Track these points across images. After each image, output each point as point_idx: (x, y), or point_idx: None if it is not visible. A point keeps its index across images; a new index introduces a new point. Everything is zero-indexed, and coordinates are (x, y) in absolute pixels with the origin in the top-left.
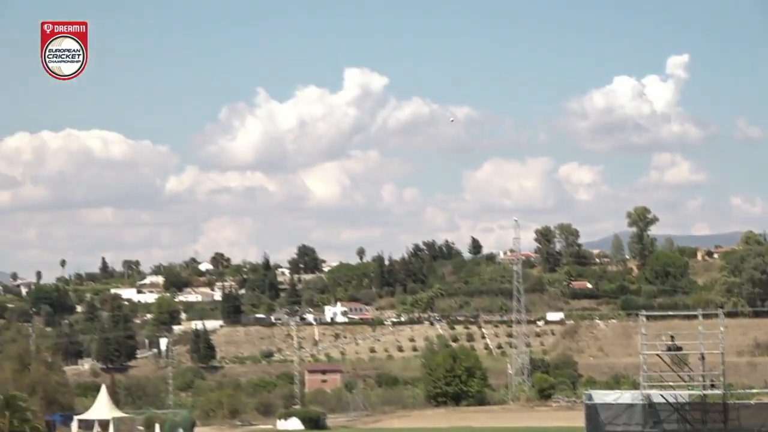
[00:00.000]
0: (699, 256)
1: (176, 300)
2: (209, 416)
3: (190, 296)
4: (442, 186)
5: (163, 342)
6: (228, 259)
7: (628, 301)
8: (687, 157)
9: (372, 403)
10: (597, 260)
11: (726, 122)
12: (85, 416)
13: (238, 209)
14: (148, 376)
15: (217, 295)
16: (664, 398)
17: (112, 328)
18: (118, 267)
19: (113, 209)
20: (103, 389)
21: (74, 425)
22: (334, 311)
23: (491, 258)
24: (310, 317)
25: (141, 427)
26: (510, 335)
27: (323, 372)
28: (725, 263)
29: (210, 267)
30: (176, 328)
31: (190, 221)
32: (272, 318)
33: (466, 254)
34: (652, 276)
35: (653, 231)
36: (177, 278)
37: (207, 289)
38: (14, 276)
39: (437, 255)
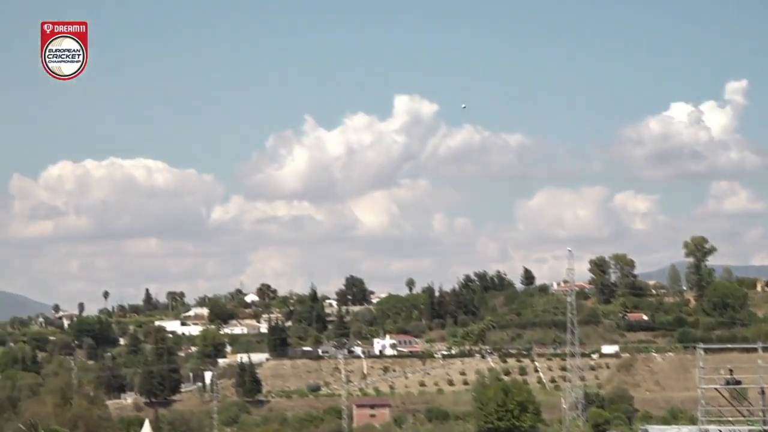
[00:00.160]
0: (759, 287)
1: (221, 332)
2: None
3: (236, 328)
4: (494, 215)
5: (208, 375)
6: (274, 291)
7: (685, 334)
8: (746, 185)
9: None
10: (653, 291)
11: None
12: None
13: (285, 239)
14: (192, 410)
15: (263, 328)
16: None
17: (155, 362)
18: (162, 298)
19: (157, 239)
20: (147, 424)
21: None
22: (383, 344)
23: (544, 289)
24: (358, 350)
25: None
26: (564, 369)
27: (372, 406)
28: None
29: (256, 298)
30: (221, 362)
31: (236, 252)
32: (319, 351)
33: (519, 285)
34: (710, 308)
35: (711, 261)
36: (222, 310)
37: (253, 321)
38: (56, 308)
39: (489, 286)
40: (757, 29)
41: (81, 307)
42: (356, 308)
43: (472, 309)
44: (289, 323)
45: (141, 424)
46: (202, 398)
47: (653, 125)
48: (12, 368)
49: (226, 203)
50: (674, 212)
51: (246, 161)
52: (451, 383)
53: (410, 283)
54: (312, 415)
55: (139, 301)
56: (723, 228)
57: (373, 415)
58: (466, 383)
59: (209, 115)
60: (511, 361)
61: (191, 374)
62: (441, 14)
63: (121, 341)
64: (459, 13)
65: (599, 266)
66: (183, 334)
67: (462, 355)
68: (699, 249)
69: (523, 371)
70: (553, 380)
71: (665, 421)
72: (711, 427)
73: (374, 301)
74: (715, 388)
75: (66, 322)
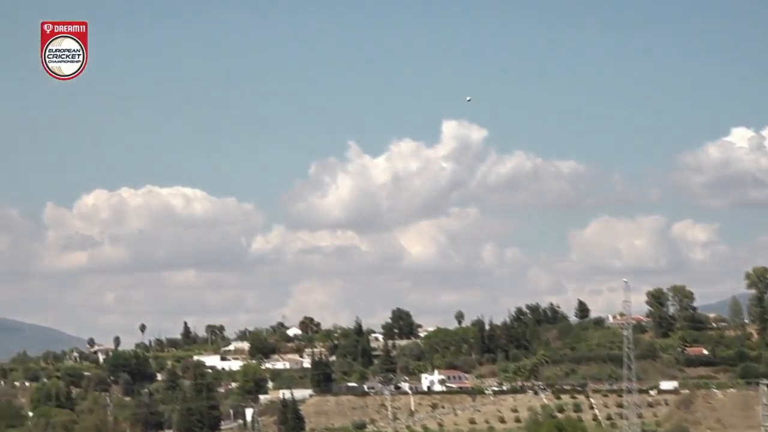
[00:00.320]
0: None
1: (263, 367)
2: None
3: (278, 363)
4: (546, 245)
5: (249, 412)
6: (318, 324)
7: (747, 369)
8: None
9: None
10: (713, 325)
11: None
12: None
13: (329, 270)
14: None
15: (306, 363)
16: None
17: (194, 398)
18: (201, 332)
19: (196, 271)
20: None
21: None
22: (431, 379)
23: (599, 322)
24: (405, 386)
25: None
26: (620, 405)
27: None
28: None
29: (298, 332)
30: (263, 398)
31: (278, 283)
32: (365, 387)
33: (573, 318)
34: None
35: None
36: (263, 344)
37: (295, 356)
38: (91, 342)
39: (541, 319)
40: None
41: (117, 341)
42: (403, 342)
43: (524, 343)
44: (333, 358)
45: None
46: None
47: (713, 151)
48: (45, 405)
49: (267, 233)
50: (735, 242)
51: (288, 189)
52: (502, 420)
53: (459, 316)
54: None
55: (177, 334)
56: None
57: None
58: (518, 421)
59: (249, 142)
60: (565, 398)
61: (231, 411)
62: (490, 37)
63: (159, 377)
64: (509, 37)
65: (657, 298)
66: (223, 369)
67: (514, 391)
68: (761, 280)
69: (577, 408)
70: (609, 417)
71: None
72: None
73: (422, 334)
74: None
75: (101, 357)
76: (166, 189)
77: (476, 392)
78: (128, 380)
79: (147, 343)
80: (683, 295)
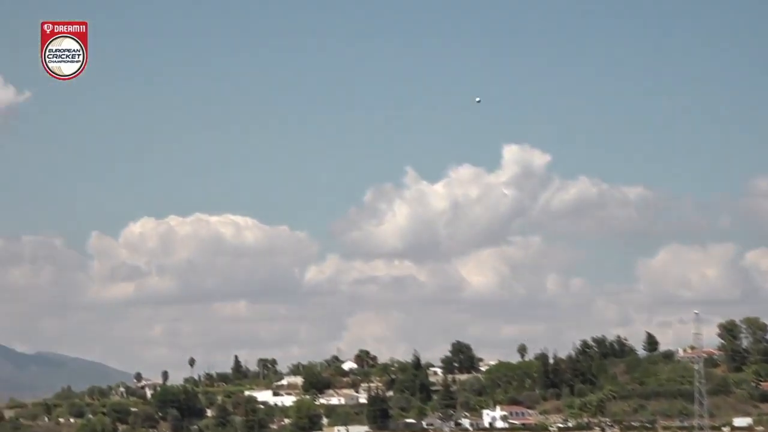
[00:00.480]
0: None
1: (317, 403)
2: None
3: (333, 399)
4: (613, 275)
5: None
6: (374, 358)
7: None
8: None
9: None
10: None
11: None
12: None
13: (385, 301)
14: None
15: (362, 398)
16: None
17: None
18: (253, 366)
19: (247, 302)
20: None
21: None
22: (493, 416)
23: (669, 356)
24: (466, 422)
25: None
26: None
27: None
28: None
29: (354, 366)
30: None
31: (332, 315)
32: (424, 423)
33: (641, 351)
34: None
35: None
36: (317, 379)
37: (351, 391)
38: (138, 376)
39: (608, 352)
40: None
41: (165, 375)
42: (463, 377)
43: (590, 377)
44: (390, 393)
45: None
46: None
47: None
48: None
49: (321, 263)
50: None
51: (342, 217)
52: None
53: (522, 350)
54: None
55: (227, 369)
56: None
57: None
58: None
59: (302, 167)
60: None
61: None
62: (552, 59)
63: (209, 413)
64: (572, 59)
65: (729, 330)
66: (275, 404)
67: (580, 427)
68: None
69: None
70: None
71: None
72: None
73: (483, 368)
74: None
75: (149, 392)
76: (215, 217)
77: (540, 429)
78: (177, 416)
79: (196, 377)
80: (757, 327)
